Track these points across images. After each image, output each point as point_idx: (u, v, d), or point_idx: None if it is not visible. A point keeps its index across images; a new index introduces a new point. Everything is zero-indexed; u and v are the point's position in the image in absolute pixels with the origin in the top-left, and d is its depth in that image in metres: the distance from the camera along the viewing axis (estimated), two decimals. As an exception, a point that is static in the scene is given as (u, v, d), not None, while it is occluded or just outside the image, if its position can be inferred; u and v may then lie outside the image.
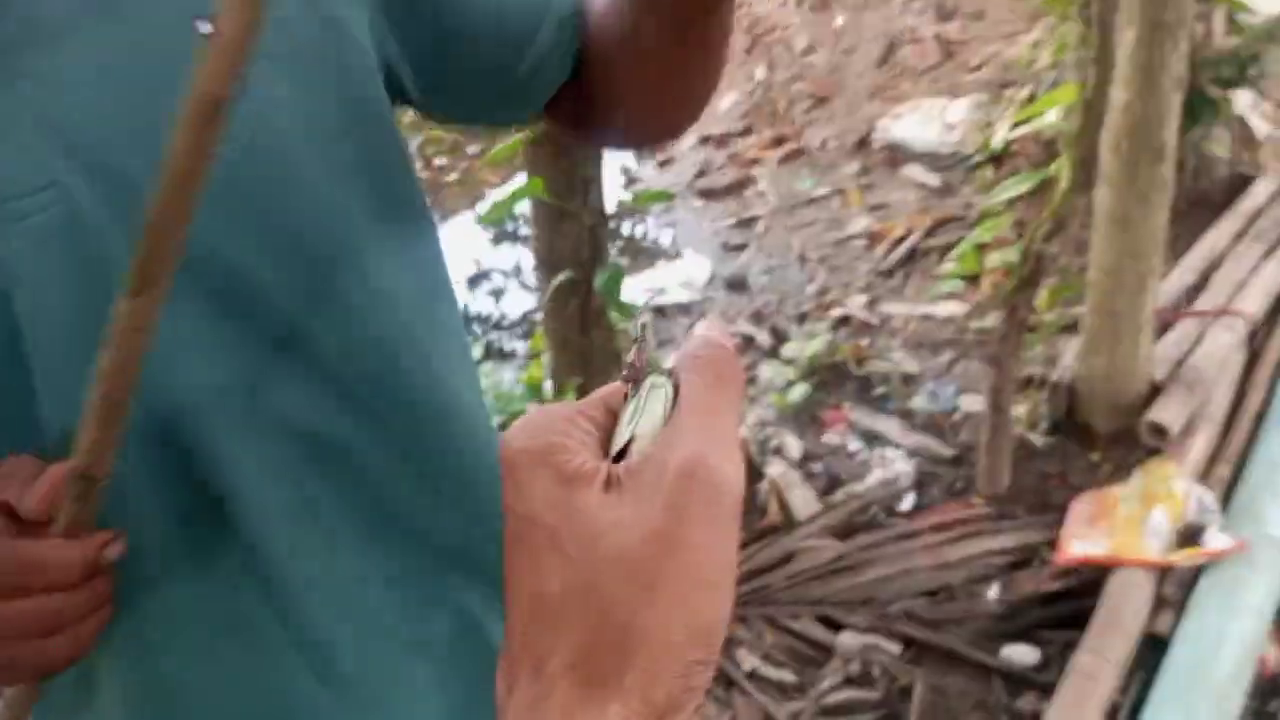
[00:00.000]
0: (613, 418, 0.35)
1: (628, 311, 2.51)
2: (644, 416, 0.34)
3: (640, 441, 0.33)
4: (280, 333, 0.65)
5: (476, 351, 3.56)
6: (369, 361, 0.69)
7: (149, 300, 0.52)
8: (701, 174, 4.63)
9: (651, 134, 0.87)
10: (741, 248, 3.99)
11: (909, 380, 2.95)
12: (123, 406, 0.56)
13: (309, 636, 0.71)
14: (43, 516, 0.56)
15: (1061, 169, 2.31)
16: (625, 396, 0.35)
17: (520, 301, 4.14)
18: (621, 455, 0.33)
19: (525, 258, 4.68)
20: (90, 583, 0.58)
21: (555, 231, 2.35)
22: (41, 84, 0.59)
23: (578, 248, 2.32)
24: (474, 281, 4.45)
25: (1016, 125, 3.81)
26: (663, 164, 4.84)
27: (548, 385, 2.66)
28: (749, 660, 2.13)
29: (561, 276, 2.30)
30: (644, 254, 4.09)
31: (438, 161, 5.29)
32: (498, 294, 4.29)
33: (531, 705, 0.31)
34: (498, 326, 4.00)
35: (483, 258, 4.71)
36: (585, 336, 2.41)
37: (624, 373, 0.36)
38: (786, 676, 2.10)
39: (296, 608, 0.70)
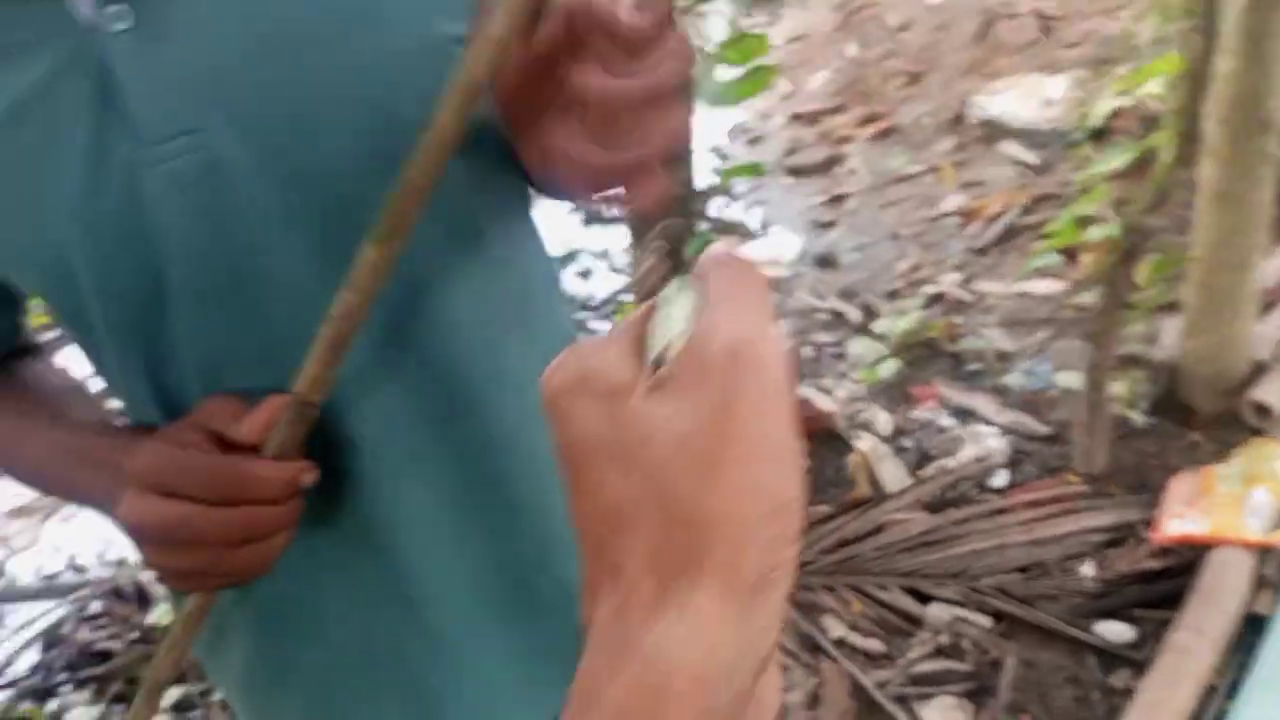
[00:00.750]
0: (639, 335, 0.35)
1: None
2: (673, 322, 0.34)
3: (674, 346, 0.33)
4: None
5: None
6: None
7: (392, 248, 0.58)
8: (792, 151, 4.62)
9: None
10: (831, 225, 3.97)
11: (1003, 357, 2.92)
12: (348, 344, 0.61)
13: (409, 590, 0.76)
14: (256, 440, 0.63)
15: (1163, 142, 2.26)
16: (648, 314, 0.35)
17: (608, 283, 4.18)
18: (659, 364, 0.34)
19: (614, 240, 4.73)
20: (288, 502, 0.63)
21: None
22: (189, 33, 0.62)
23: (669, 216, 2.35)
24: (563, 262, 4.50)
25: (1117, 98, 3.72)
26: (752, 141, 4.84)
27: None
28: (836, 628, 2.15)
29: (652, 248, 2.34)
30: (731, 231, 4.10)
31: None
32: (586, 275, 4.34)
33: (616, 611, 0.31)
34: (585, 307, 4.06)
35: (573, 239, 4.77)
36: (677, 308, 2.44)
37: (646, 287, 0.36)
38: (874, 645, 2.11)
39: (402, 561, 0.75)
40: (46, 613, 2.68)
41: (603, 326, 3.74)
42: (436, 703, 0.80)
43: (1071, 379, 2.70)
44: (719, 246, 0.37)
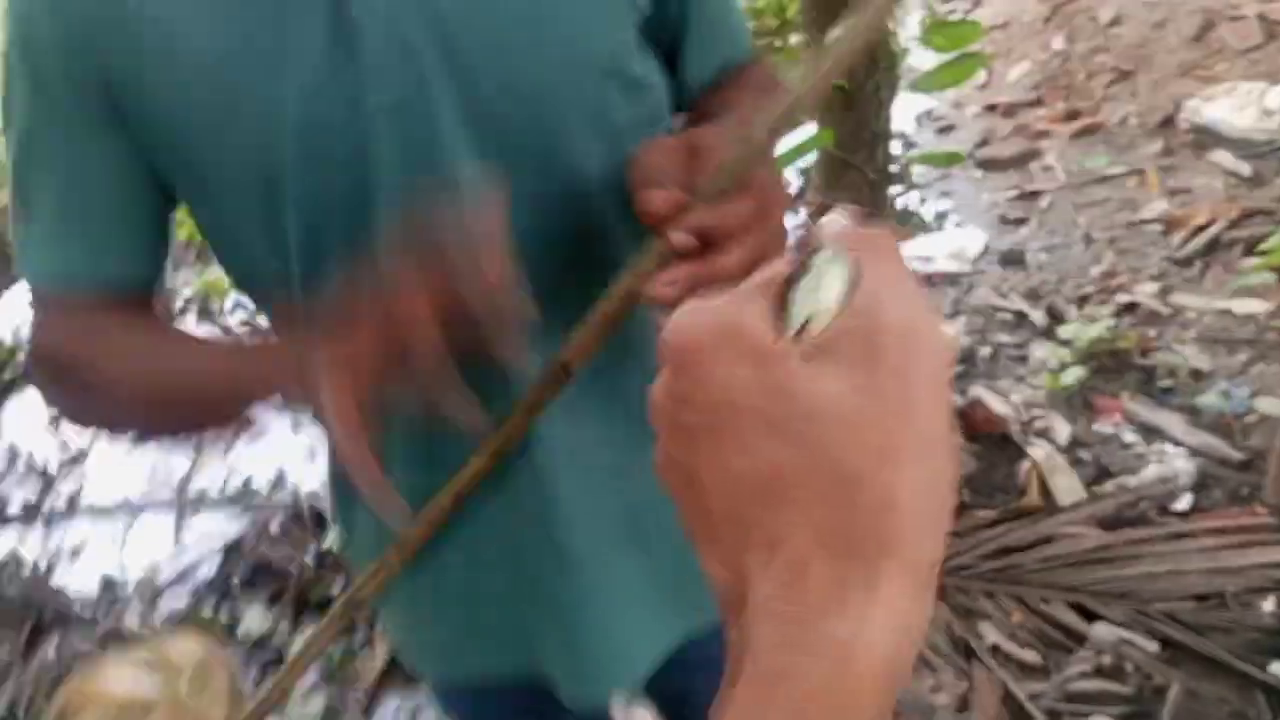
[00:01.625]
0: (777, 300, 0.33)
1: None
2: (822, 293, 0.32)
3: (822, 317, 0.32)
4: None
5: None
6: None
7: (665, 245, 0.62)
8: (984, 143, 4.46)
9: None
10: (1021, 222, 3.83)
11: (1198, 376, 2.76)
12: (620, 323, 0.63)
13: (553, 514, 0.81)
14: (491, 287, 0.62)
15: None
16: (788, 280, 0.33)
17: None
18: (799, 332, 0.32)
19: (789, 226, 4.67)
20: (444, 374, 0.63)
21: (837, 185, 2.35)
22: None
23: (858, 202, 2.31)
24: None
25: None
26: (942, 130, 4.70)
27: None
28: (992, 635, 2.09)
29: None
30: (915, 222, 4.00)
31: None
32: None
33: (785, 589, 0.30)
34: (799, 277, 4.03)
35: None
36: (856, 293, 2.40)
37: (790, 255, 0.34)
38: (1030, 657, 2.05)
39: (549, 487, 0.80)
40: (229, 524, 2.87)
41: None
42: (568, 620, 0.84)
43: (1271, 405, 2.53)
44: (858, 224, 0.35)
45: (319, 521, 2.75)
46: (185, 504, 3.08)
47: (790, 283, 0.33)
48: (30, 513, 3.24)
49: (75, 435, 3.77)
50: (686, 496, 0.33)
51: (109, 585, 2.77)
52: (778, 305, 0.33)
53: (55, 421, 3.95)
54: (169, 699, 2.23)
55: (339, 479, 0.92)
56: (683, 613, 0.89)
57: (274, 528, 2.80)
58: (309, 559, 2.66)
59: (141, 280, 0.79)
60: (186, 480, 3.26)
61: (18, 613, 2.70)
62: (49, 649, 2.57)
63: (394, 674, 2.31)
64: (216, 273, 4.26)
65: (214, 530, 2.88)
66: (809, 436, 0.30)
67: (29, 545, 3.05)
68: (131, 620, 2.61)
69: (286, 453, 3.30)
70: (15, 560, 2.97)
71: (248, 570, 2.68)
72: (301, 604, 2.54)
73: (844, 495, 0.29)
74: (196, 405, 0.77)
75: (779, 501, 0.30)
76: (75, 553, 2.98)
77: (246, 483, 3.14)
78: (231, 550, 2.77)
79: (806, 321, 0.32)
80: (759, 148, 0.59)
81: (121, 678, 2.29)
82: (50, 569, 2.92)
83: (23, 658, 2.54)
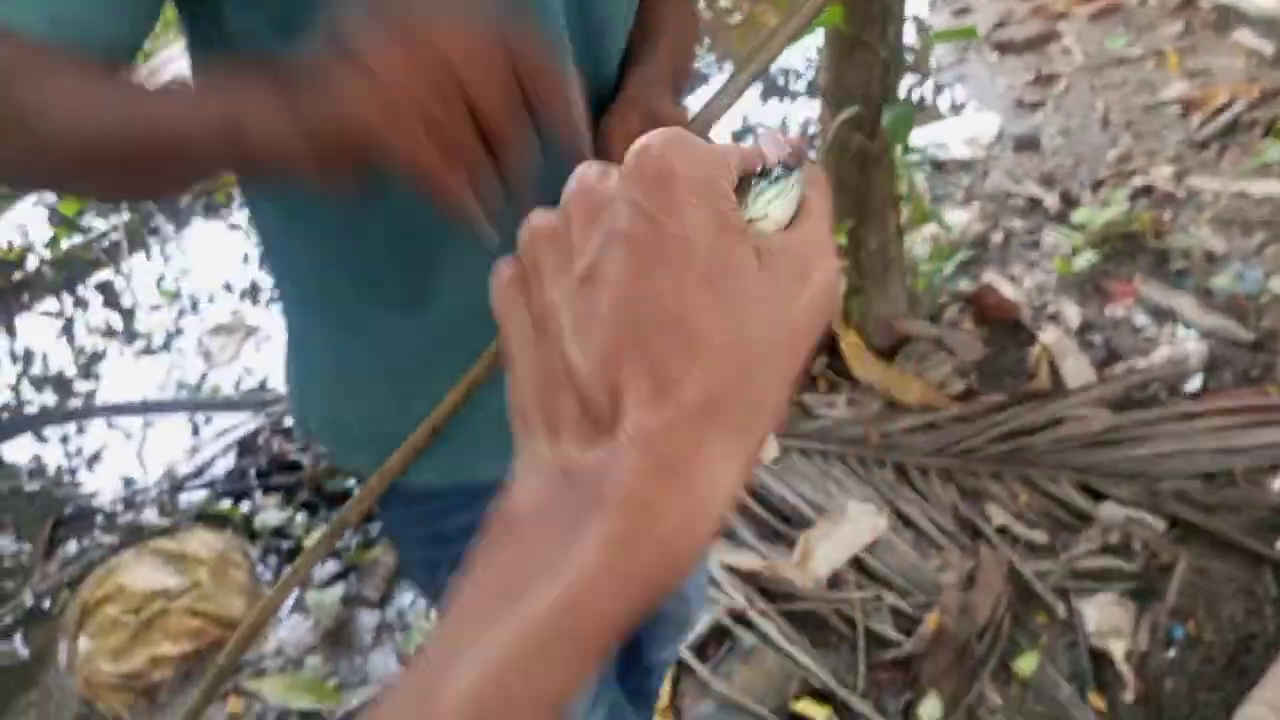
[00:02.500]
0: (739, 175, 0.37)
1: (915, 152, 2.43)
2: (779, 202, 0.36)
3: (769, 222, 0.36)
4: None
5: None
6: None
7: None
8: (1000, 25, 4.33)
9: None
10: (1037, 106, 3.74)
11: (1212, 259, 2.72)
12: None
13: None
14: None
15: None
16: (758, 172, 0.38)
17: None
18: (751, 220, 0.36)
19: (794, 113, 4.59)
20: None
21: (846, 63, 2.29)
22: None
23: (869, 82, 2.25)
24: (738, 137, 4.42)
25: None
26: (959, 12, 4.57)
27: (820, 226, 2.64)
28: (1000, 516, 2.11)
29: (847, 112, 2.25)
30: (927, 107, 3.92)
31: (722, 3, 5.22)
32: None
33: (665, 427, 0.32)
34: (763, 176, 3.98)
35: (749, 112, 4.66)
36: (864, 177, 2.36)
37: (783, 159, 0.38)
38: (1038, 537, 2.07)
39: None
40: (243, 423, 2.90)
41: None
42: None
43: (1286, 286, 2.50)
44: (776, 137, 0.39)
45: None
46: (200, 403, 3.11)
47: (759, 177, 0.37)
48: (48, 415, 3.28)
49: (90, 339, 3.80)
50: (601, 297, 0.34)
51: (128, 483, 2.81)
52: (742, 178, 0.37)
53: (70, 325, 3.97)
54: (190, 591, 2.29)
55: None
56: None
57: (288, 421, 2.83)
58: (322, 451, 2.68)
59: (121, 43, 0.67)
60: (201, 380, 3.28)
61: (40, 512, 2.75)
62: (71, 545, 2.62)
63: (410, 563, 2.35)
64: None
65: (229, 428, 2.91)
66: (732, 307, 0.33)
67: (48, 447, 3.09)
68: (151, 516, 2.65)
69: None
70: (36, 461, 3.02)
71: (263, 466, 2.71)
72: (316, 498, 2.57)
73: (742, 371, 0.32)
74: (148, 151, 0.63)
75: (687, 347, 0.32)
76: (94, 454, 3.02)
77: (261, 383, 3.16)
78: (247, 447, 2.80)
79: (764, 216, 0.36)
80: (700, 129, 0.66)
81: (143, 571, 2.34)
82: (70, 470, 2.96)
83: (45, 555, 2.60)
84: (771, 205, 0.36)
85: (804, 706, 1.86)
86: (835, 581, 2.03)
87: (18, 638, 2.37)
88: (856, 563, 2.06)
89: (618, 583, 0.31)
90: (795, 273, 0.34)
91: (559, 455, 0.34)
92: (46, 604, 2.44)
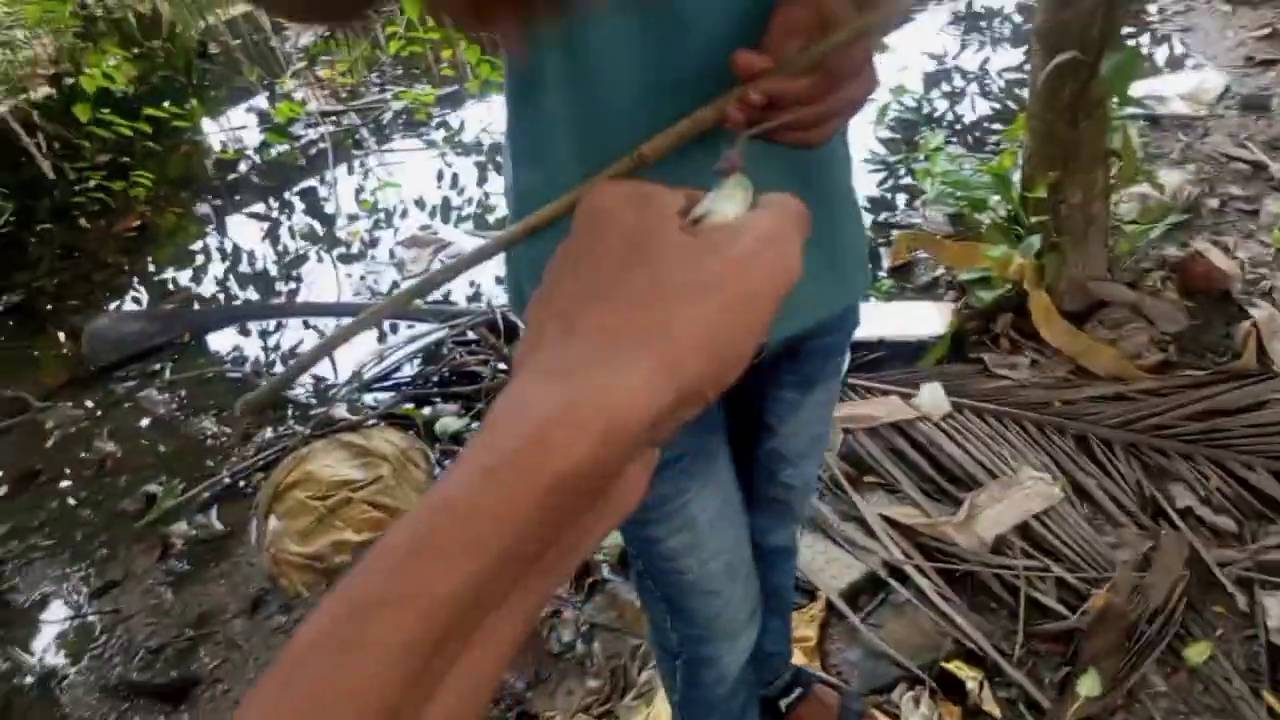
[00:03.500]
0: (693, 203, 0.41)
1: (1132, 106, 2.28)
2: (724, 201, 0.40)
3: (715, 217, 0.40)
4: None
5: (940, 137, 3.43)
6: None
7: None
8: (1238, -26, 4.00)
9: None
10: (1270, 64, 3.44)
11: None
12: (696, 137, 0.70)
13: None
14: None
15: None
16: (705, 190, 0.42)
17: (979, 107, 3.91)
18: (697, 220, 0.40)
19: (994, 60, 4.37)
20: None
21: (1064, 5, 2.16)
22: None
23: (1087, 26, 2.13)
24: (933, 79, 4.25)
25: None
26: (1191, -41, 4.23)
27: (1016, 176, 2.53)
28: (1185, 498, 2.00)
29: (1062, 57, 2.14)
30: (1145, 58, 3.66)
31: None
32: (955, 96, 4.07)
33: (559, 351, 0.35)
34: (953, 128, 3.82)
35: (947, 56, 4.47)
36: (1074, 128, 2.24)
37: (717, 167, 0.43)
38: (1224, 523, 1.95)
39: None
40: (429, 333, 3.03)
41: (956, 150, 3.52)
42: None
43: None
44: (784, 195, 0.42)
45: (510, 333, 2.87)
46: (389, 310, 3.26)
47: (708, 190, 0.41)
48: (253, 310, 3.51)
49: (292, 242, 4.03)
50: (545, 298, 0.39)
51: (320, 380, 2.99)
52: (692, 200, 0.41)
53: (275, 227, 4.22)
54: (372, 484, 2.43)
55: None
56: (832, 290, 1.04)
57: (470, 334, 2.94)
58: (501, 366, 2.78)
59: None
60: (392, 289, 3.44)
61: (240, 398, 2.96)
62: (266, 432, 2.82)
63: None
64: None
65: (416, 336, 3.05)
66: (647, 267, 0.37)
67: (249, 340, 3.32)
68: (340, 412, 2.82)
69: (475, 272, 3.43)
70: (238, 351, 3.24)
71: (446, 374, 2.84)
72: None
73: (645, 305, 0.35)
74: None
75: (597, 297, 0.36)
76: (291, 349, 3.23)
77: (445, 296, 3.29)
78: (431, 355, 2.93)
79: (706, 214, 0.40)
80: (859, 34, 0.68)
81: (331, 462, 2.50)
82: (268, 362, 3.17)
83: (243, 439, 2.80)
84: (716, 205, 0.40)
85: (955, 667, 1.83)
86: (1000, 546, 1.98)
87: (214, 512, 2.58)
88: (1024, 530, 2.00)
89: (484, 482, 0.32)
90: (719, 241, 0.37)
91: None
92: (241, 484, 2.64)
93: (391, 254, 3.70)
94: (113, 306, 3.75)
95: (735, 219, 0.40)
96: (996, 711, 1.79)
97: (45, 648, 2.30)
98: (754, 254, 0.37)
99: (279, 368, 3.14)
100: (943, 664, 1.84)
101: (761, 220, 0.39)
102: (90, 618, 2.34)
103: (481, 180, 4.21)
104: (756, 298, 0.37)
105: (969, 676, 1.82)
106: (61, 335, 3.57)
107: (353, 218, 4.11)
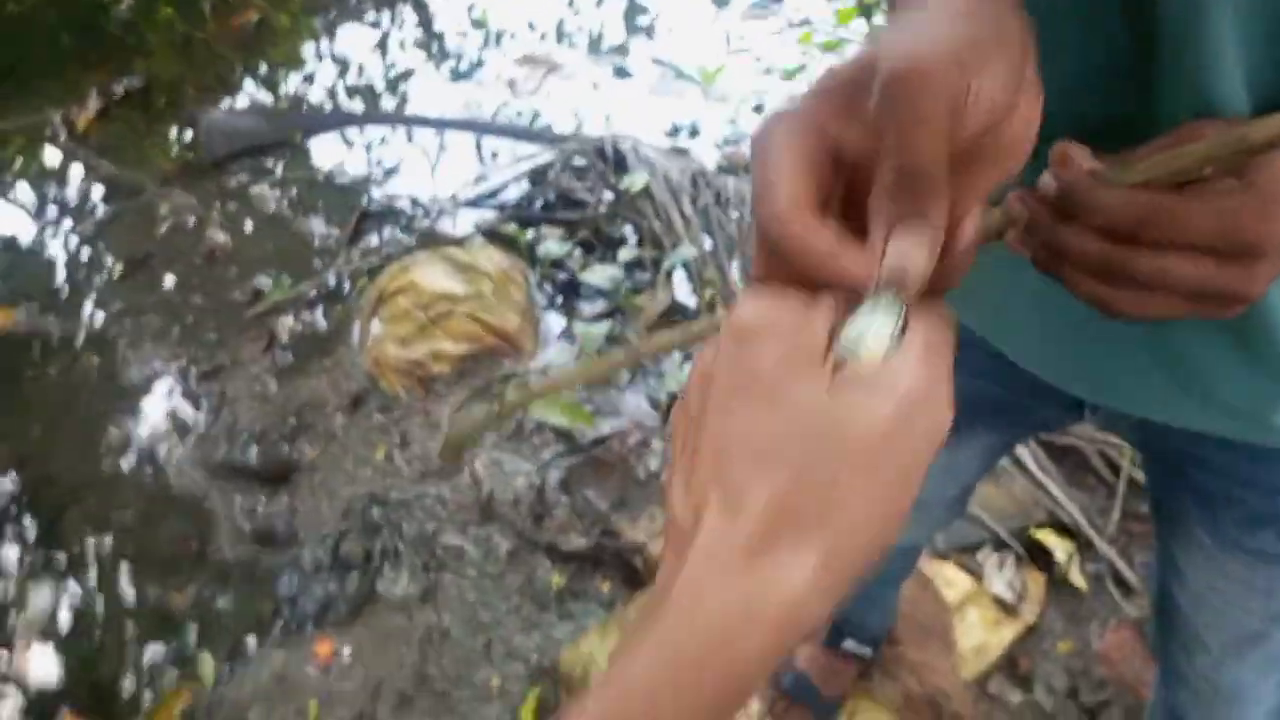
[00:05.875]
0: (835, 311, 0.39)
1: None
2: (873, 331, 0.38)
3: (867, 350, 0.38)
4: None
5: None
6: None
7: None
8: None
9: None
10: None
11: None
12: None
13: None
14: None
15: None
16: (851, 307, 0.39)
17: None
18: (843, 355, 0.38)
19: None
20: None
21: None
22: None
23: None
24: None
25: None
26: None
27: None
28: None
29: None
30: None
31: None
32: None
33: (727, 533, 0.36)
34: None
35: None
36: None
37: (867, 284, 0.39)
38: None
39: None
40: (537, 154, 2.99)
41: None
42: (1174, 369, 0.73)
43: None
44: (934, 302, 0.40)
45: (620, 163, 2.82)
46: (501, 129, 3.22)
47: (856, 311, 0.39)
48: (362, 116, 3.50)
49: (402, 55, 3.98)
50: (683, 440, 0.40)
51: (426, 193, 2.99)
52: (832, 318, 0.39)
53: (385, 39, 4.17)
54: (473, 299, 2.45)
55: None
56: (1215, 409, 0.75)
57: (579, 160, 2.90)
58: (607, 198, 2.75)
59: None
60: (500, 108, 3.39)
61: (348, 203, 2.98)
62: (372, 238, 2.85)
63: (671, 316, 2.41)
64: None
65: (523, 157, 3.02)
66: (807, 430, 0.36)
67: (356, 150, 3.32)
68: (445, 226, 2.82)
69: (587, 97, 3.36)
70: (345, 160, 3.25)
71: (551, 199, 2.81)
72: (594, 238, 2.66)
73: (806, 481, 0.35)
74: None
75: (759, 464, 0.36)
76: (397, 161, 3.22)
77: (551, 124, 3.24)
78: (538, 178, 2.90)
79: (856, 348, 0.38)
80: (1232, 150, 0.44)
81: (434, 273, 2.52)
82: (377, 173, 3.18)
83: (350, 242, 2.83)
84: (861, 336, 0.38)
85: (1044, 536, 1.82)
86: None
87: (319, 311, 2.63)
88: (1135, 410, 1.95)
89: (667, 672, 0.35)
90: (886, 391, 0.36)
91: (656, 581, 0.39)
92: (346, 286, 2.68)
93: (502, 73, 3.64)
94: (226, 101, 3.77)
95: (883, 357, 0.38)
96: (1083, 585, 1.79)
97: (153, 424, 2.40)
98: (906, 423, 0.36)
99: (387, 178, 3.14)
100: (1032, 533, 1.83)
101: (910, 369, 0.38)
102: (197, 399, 2.43)
103: (599, 2, 4.08)
104: (911, 472, 0.37)
105: (1059, 546, 1.81)
106: (176, 125, 3.60)
107: (462, 34, 4.03)
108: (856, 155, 0.41)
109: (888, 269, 0.39)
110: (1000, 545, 1.82)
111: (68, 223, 3.09)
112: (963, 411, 0.99)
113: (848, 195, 0.43)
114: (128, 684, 1.92)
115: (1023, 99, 0.41)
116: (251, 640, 1.93)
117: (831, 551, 0.35)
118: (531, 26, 3.96)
